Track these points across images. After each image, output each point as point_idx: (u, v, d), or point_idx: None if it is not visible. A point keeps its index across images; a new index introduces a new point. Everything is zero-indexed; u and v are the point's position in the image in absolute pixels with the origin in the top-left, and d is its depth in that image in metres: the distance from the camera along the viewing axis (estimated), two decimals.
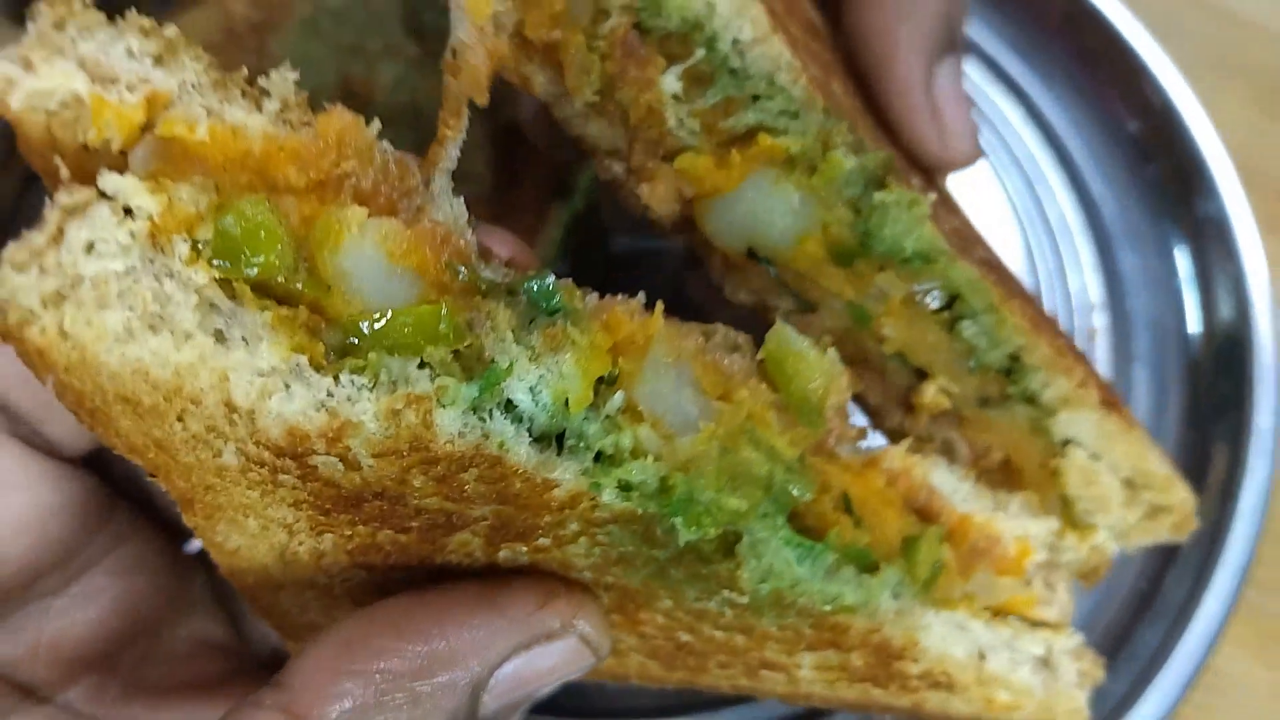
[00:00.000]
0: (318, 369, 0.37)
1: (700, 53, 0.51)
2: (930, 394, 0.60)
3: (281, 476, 0.40)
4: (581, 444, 0.42)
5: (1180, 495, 0.63)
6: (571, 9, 0.49)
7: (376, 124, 0.41)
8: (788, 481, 0.47)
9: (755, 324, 0.55)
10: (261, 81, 0.40)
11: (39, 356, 0.35)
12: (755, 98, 0.53)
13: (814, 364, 0.49)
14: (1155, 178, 1.02)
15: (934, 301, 0.58)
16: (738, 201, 0.55)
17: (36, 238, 0.34)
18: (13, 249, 0.34)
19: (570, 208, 0.93)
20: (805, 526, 0.49)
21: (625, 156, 0.57)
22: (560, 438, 0.41)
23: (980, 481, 0.59)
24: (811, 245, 0.56)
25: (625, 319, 0.45)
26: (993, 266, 0.60)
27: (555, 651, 0.46)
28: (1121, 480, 0.62)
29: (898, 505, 0.54)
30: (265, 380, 0.36)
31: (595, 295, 0.45)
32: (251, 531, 0.44)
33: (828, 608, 0.49)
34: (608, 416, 0.42)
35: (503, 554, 0.46)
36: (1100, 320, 0.98)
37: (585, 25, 0.51)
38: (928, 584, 0.53)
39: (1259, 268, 0.91)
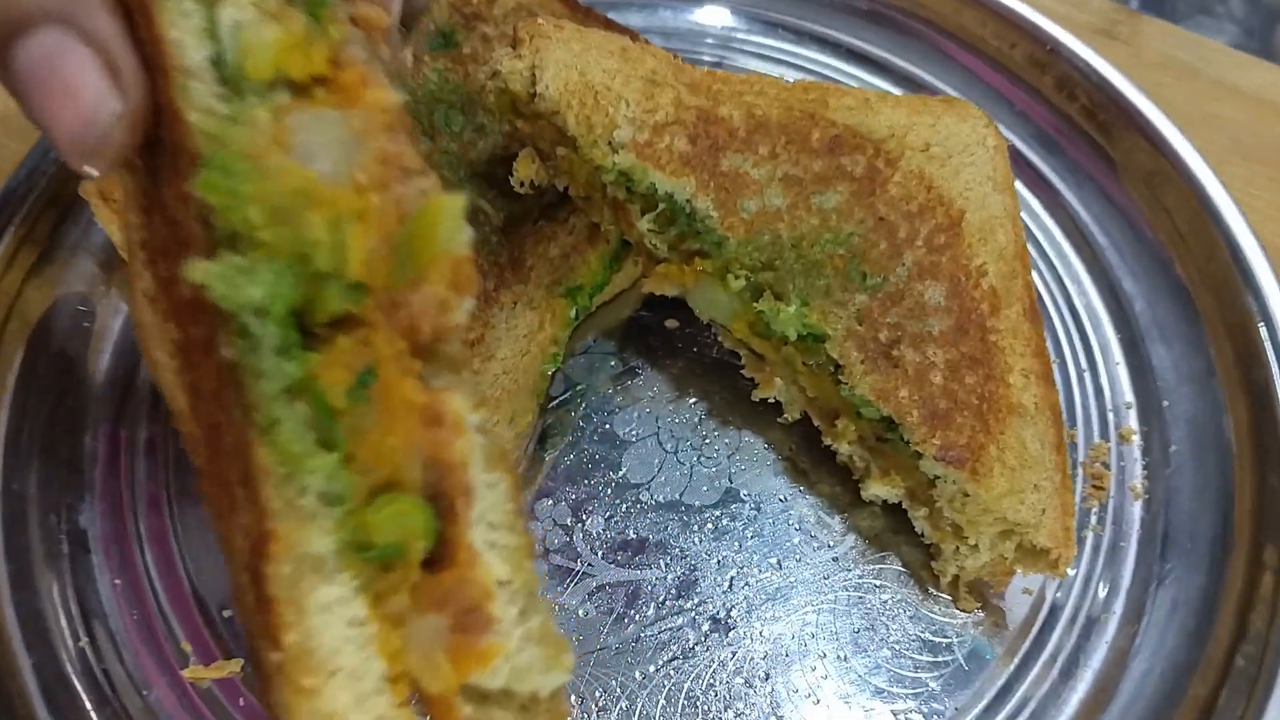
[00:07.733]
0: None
1: (661, 205, 0.82)
2: (840, 426, 0.85)
3: None
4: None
5: (1048, 538, 0.77)
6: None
7: None
8: (331, 285, 0.45)
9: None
10: None
11: None
12: (697, 233, 0.82)
13: (447, 230, 0.46)
14: (1184, 273, 0.99)
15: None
16: (698, 292, 0.87)
17: None
18: None
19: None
20: (309, 326, 0.46)
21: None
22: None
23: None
24: (740, 324, 0.85)
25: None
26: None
27: None
28: (983, 513, 0.78)
29: (409, 446, 0.47)
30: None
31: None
32: None
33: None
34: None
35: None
36: (1134, 419, 0.94)
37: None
38: (372, 547, 0.46)
39: None
